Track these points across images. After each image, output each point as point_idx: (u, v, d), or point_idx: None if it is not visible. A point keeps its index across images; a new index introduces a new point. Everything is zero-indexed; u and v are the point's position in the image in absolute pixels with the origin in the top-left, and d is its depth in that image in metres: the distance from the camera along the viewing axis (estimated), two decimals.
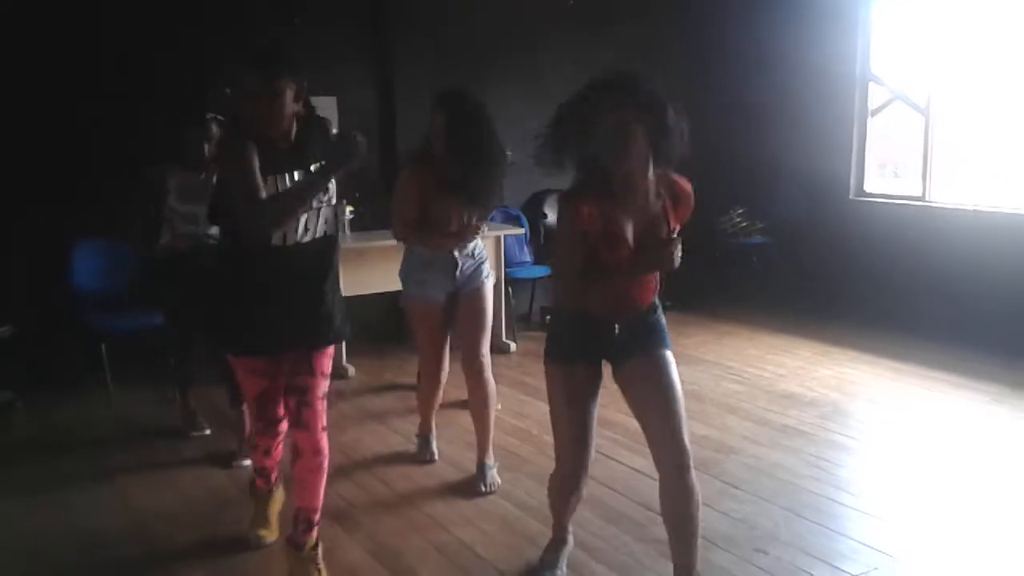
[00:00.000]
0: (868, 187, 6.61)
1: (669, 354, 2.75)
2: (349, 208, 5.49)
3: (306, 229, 2.82)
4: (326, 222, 2.87)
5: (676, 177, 2.71)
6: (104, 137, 5.11)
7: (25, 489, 3.85)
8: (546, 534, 3.33)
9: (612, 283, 2.66)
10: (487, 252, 4.01)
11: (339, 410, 4.78)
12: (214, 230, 3.70)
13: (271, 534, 3.31)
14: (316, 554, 2.99)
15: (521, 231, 6.26)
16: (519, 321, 6.52)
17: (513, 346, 6.02)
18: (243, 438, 4.10)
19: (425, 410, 4.09)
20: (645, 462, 3.40)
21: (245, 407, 4.12)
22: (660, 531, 3.01)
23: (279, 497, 3.37)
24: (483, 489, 3.79)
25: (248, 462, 4.09)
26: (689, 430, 2.73)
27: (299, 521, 2.97)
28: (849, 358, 5.63)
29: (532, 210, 6.51)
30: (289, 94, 2.71)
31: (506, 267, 6.07)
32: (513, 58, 6.51)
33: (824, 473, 3.87)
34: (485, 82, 6.43)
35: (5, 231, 4.94)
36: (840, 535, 3.30)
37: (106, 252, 5.06)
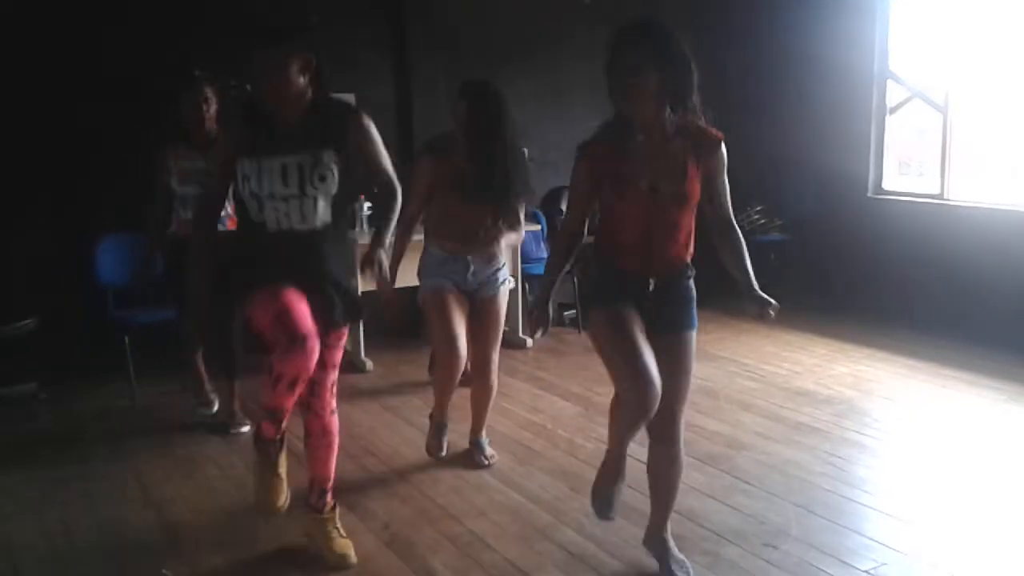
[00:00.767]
0: (886, 185, 6.58)
1: (693, 336, 2.86)
2: (367, 204, 5.54)
3: (303, 217, 2.81)
4: (324, 211, 2.84)
5: (705, 125, 2.72)
6: (126, 133, 5.19)
7: (48, 478, 3.94)
8: (558, 527, 3.40)
9: (647, 239, 2.69)
10: (505, 255, 4.00)
11: (356, 403, 4.84)
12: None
13: (280, 495, 3.06)
14: (334, 515, 3.17)
15: (538, 227, 6.29)
16: None
17: (529, 342, 6.06)
18: (232, 410, 4.40)
19: (440, 396, 4.00)
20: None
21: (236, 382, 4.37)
22: (674, 528, 3.07)
23: (283, 460, 3.08)
24: (484, 462, 3.98)
25: (245, 428, 4.33)
26: (686, 414, 2.91)
27: (313, 489, 3.15)
28: (865, 355, 5.63)
29: (549, 207, 6.54)
30: (294, 68, 2.71)
31: (522, 263, 6.11)
32: (530, 56, 6.53)
33: (837, 470, 3.88)
34: (502, 80, 6.35)
35: (31, 226, 5.03)
36: (851, 531, 3.31)
37: (130, 246, 5.13)
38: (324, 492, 3.15)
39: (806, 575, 3.02)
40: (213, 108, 4.31)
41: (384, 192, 3.04)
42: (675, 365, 2.79)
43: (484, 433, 4.09)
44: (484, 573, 3.07)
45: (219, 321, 4.30)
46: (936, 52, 6.24)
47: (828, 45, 6.54)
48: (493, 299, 3.88)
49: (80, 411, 4.83)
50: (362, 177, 3.00)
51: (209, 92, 4.29)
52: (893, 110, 6.50)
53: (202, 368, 4.67)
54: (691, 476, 3.51)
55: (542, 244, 6.51)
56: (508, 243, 3.94)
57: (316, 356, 2.76)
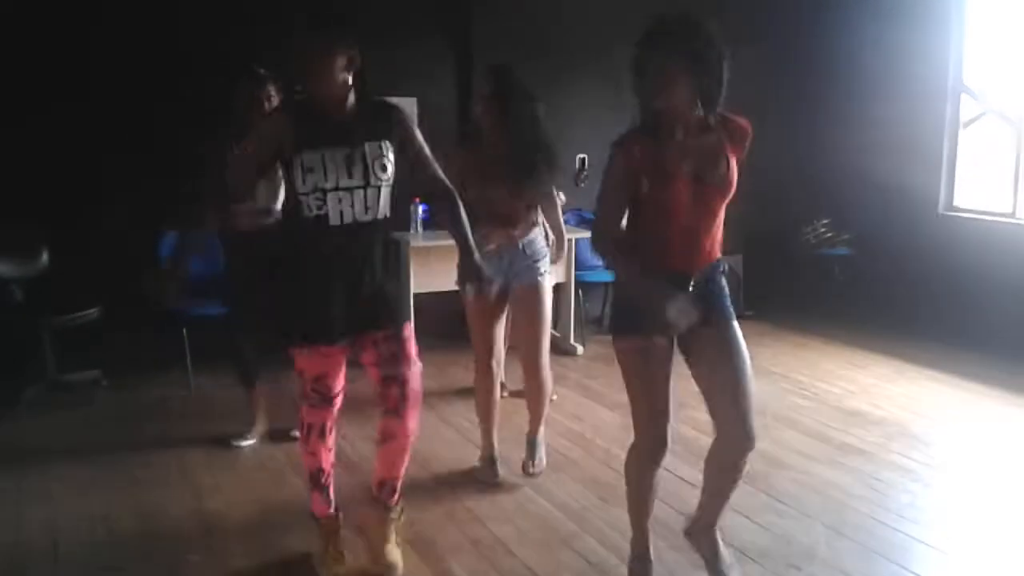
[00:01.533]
0: (958, 202, 6.36)
1: (738, 326, 2.77)
2: (422, 206, 5.62)
3: (366, 208, 2.81)
4: (386, 202, 2.87)
5: (731, 115, 2.69)
6: (194, 132, 5.36)
7: (100, 460, 4.11)
8: (581, 536, 3.39)
9: (691, 233, 2.66)
10: (546, 249, 3.94)
11: None
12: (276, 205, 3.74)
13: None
14: (400, 517, 3.15)
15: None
16: (591, 324, 6.54)
17: (580, 349, 6.05)
18: (252, 418, 4.41)
19: (483, 420, 3.94)
20: (691, 471, 3.40)
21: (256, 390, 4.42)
22: None
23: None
24: (530, 470, 3.91)
25: (250, 441, 4.35)
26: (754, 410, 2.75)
27: (383, 488, 3.11)
28: (926, 377, 5.45)
29: None
30: (340, 61, 2.73)
31: (576, 270, 6.10)
32: (593, 60, 6.52)
33: (877, 494, 3.77)
34: (564, 84, 6.49)
35: (99, 219, 5.23)
36: (881, 557, 3.21)
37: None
38: (395, 490, 3.12)
39: None
40: (274, 107, 4.19)
41: (444, 196, 3.02)
42: (728, 358, 2.72)
43: (541, 433, 4.00)
44: None
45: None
46: (1012, 66, 6.01)
47: (901, 58, 6.36)
48: (533, 289, 3.79)
49: (138, 399, 5.02)
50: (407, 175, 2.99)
51: (272, 90, 4.21)
52: (966, 125, 6.28)
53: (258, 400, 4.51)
54: None
55: None
56: (552, 225, 3.96)
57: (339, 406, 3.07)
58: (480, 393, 3.96)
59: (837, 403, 4.99)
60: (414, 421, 3.05)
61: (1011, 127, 5.96)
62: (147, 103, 5.29)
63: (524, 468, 3.94)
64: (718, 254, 2.77)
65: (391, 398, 2.99)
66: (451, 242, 4.01)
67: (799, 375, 5.54)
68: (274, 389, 4.55)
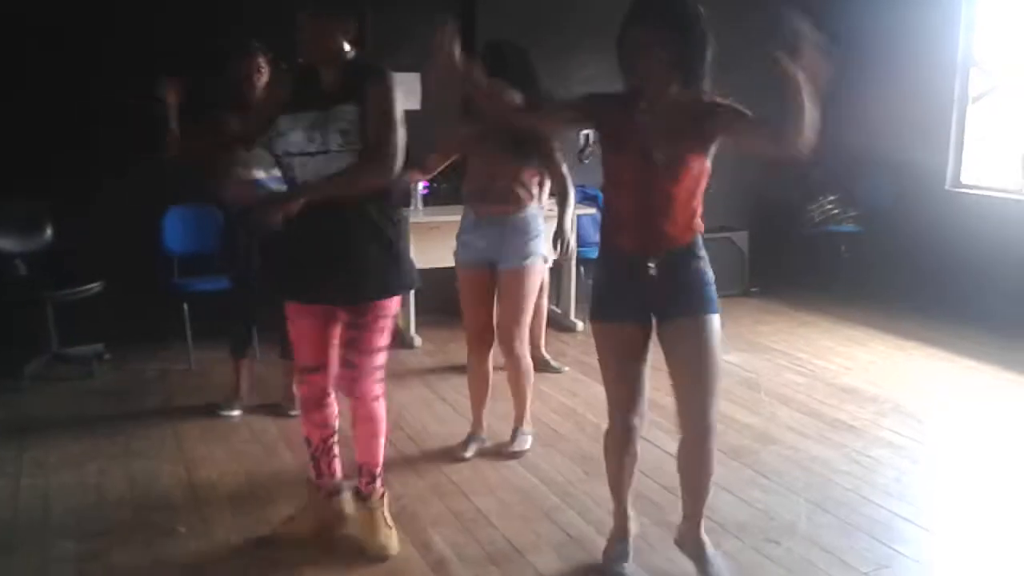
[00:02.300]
0: (965, 178, 6.28)
1: (714, 320, 2.69)
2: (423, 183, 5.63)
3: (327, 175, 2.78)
4: None
5: (725, 103, 2.60)
6: (192, 109, 5.40)
7: (97, 432, 4.18)
8: (563, 509, 3.42)
9: (642, 211, 2.63)
10: (544, 231, 3.86)
11: (398, 378, 4.93)
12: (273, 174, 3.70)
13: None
14: (383, 504, 3.10)
15: (593, 212, 6.26)
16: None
17: (580, 325, 6.06)
18: (236, 388, 4.50)
19: (473, 398, 3.97)
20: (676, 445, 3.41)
21: (242, 362, 4.50)
22: (678, 517, 2.99)
23: (346, 512, 3.20)
24: (512, 450, 3.92)
25: (235, 412, 4.43)
26: (718, 405, 2.75)
27: (362, 473, 3.09)
28: (926, 355, 5.41)
29: None
30: (332, 27, 2.76)
31: (579, 246, 6.09)
32: (601, 36, 6.44)
33: (863, 470, 3.77)
34: (572, 61, 6.46)
35: (103, 194, 5.28)
36: (861, 532, 3.22)
37: (196, 216, 5.35)
38: (373, 478, 3.08)
39: (803, 573, 2.96)
40: (263, 80, 4.22)
41: (371, 158, 2.80)
42: (692, 352, 2.68)
43: (526, 424, 4.01)
44: (479, 549, 3.12)
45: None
46: (1023, 40, 5.91)
47: (908, 31, 6.28)
48: (518, 271, 3.74)
49: (138, 372, 5.10)
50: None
51: (263, 62, 4.23)
52: (975, 100, 6.19)
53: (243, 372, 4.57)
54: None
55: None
56: (555, 180, 3.80)
57: (327, 383, 3.04)
58: (469, 372, 3.99)
59: (833, 380, 4.97)
60: (371, 404, 2.98)
61: (1021, 103, 5.87)
62: (152, 79, 5.32)
63: (503, 450, 3.96)
64: (688, 239, 2.68)
65: (344, 385, 2.99)
66: (453, 218, 4.02)
67: (799, 352, 5.52)
68: (269, 365, 4.61)
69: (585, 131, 6.62)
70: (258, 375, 4.72)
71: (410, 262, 3.06)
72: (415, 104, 6.02)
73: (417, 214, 5.63)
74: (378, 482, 3.10)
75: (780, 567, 2.99)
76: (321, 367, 3.04)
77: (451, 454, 3.93)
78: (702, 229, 2.73)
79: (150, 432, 4.19)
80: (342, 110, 2.77)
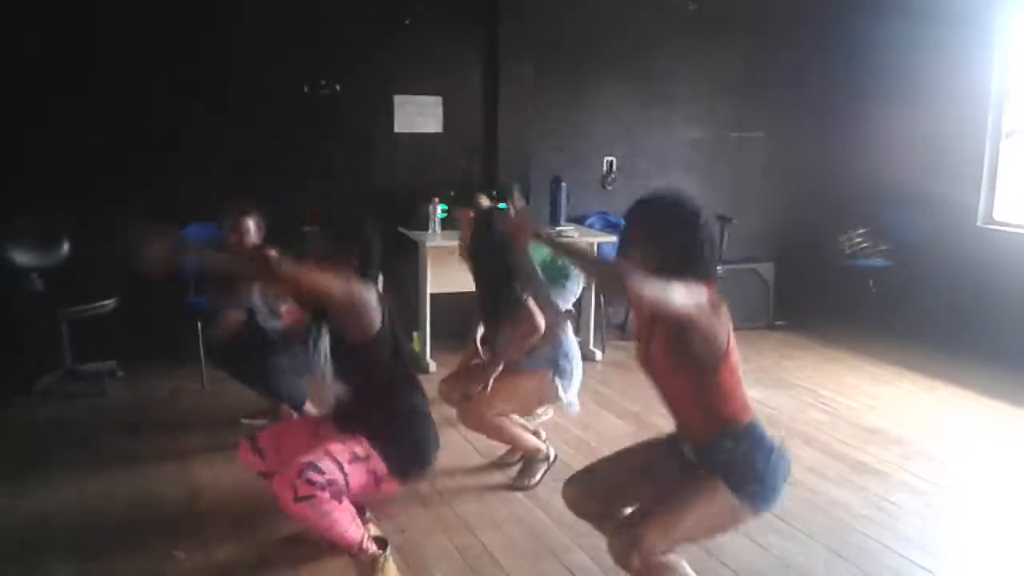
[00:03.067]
0: (998, 215, 6.13)
1: (721, 489, 2.45)
2: (441, 207, 5.58)
3: None
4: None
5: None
6: (206, 132, 5.42)
7: (101, 451, 4.15)
8: (572, 550, 3.33)
9: (666, 402, 2.63)
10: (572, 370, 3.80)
11: None
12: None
13: None
14: (380, 559, 2.95)
15: (615, 240, 6.16)
16: (613, 329, 6.45)
17: (599, 355, 5.96)
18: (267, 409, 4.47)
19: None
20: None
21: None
22: (695, 564, 2.87)
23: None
24: (526, 483, 3.86)
25: (260, 422, 4.37)
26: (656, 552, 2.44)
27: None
28: (954, 395, 5.26)
29: None
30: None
31: None
32: (622, 60, 6.44)
33: (885, 516, 3.63)
34: (591, 84, 6.41)
35: (120, 212, 5.27)
36: None
37: (211, 237, 5.32)
38: (354, 555, 2.94)
39: None
40: (251, 238, 4.33)
41: None
42: (670, 493, 2.49)
43: (536, 452, 3.95)
44: None
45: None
46: None
47: (942, 65, 6.15)
48: (513, 372, 3.72)
49: (150, 390, 5.06)
50: None
51: (252, 224, 4.34)
52: (1008, 135, 6.04)
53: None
54: None
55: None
56: (526, 341, 3.67)
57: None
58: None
59: (857, 419, 4.83)
60: (287, 503, 2.83)
61: None
62: (175, 101, 5.35)
63: (513, 480, 3.93)
64: (717, 429, 2.49)
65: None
66: None
67: (823, 389, 5.38)
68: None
69: (609, 157, 6.57)
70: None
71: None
72: (437, 127, 6.02)
73: (434, 238, 5.57)
74: (364, 555, 2.92)
75: None
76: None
77: (463, 485, 3.87)
78: (745, 419, 2.52)
79: (157, 453, 4.14)
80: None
